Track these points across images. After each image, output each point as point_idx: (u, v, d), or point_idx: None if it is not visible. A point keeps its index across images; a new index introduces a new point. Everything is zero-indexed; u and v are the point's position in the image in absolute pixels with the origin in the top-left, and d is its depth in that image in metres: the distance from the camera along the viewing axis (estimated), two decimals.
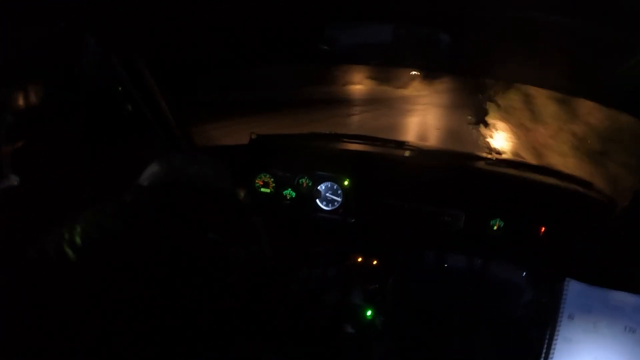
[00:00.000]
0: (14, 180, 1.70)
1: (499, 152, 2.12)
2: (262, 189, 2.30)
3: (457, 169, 2.22)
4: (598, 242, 1.88)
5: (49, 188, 1.87)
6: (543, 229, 2.00)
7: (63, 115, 1.92)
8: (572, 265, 1.82)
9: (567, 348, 0.90)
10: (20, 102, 1.72)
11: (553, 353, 0.89)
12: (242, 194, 2.13)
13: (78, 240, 1.42)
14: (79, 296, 1.39)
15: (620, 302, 0.92)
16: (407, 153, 2.23)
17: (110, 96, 2.04)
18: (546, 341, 0.90)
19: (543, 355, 0.89)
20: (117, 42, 1.84)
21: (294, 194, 2.27)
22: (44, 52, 1.71)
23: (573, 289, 0.92)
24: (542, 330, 0.91)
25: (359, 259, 2.15)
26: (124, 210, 1.56)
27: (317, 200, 2.24)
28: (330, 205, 2.23)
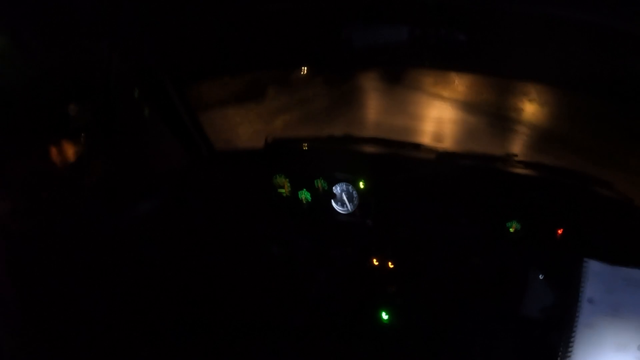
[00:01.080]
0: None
1: (515, 154, 2.10)
2: (279, 191, 2.32)
3: (474, 170, 2.21)
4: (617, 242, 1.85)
5: (70, 193, 1.90)
6: (561, 231, 1.98)
7: (84, 122, 1.96)
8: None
9: (588, 335, 0.84)
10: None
11: (573, 342, 0.84)
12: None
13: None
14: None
15: None
16: (423, 155, 2.23)
17: (129, 102, 2.07)
18: (565, 330, 0.85)
19: (562, 345, 0.84)
20: (136, 49, 1.88)
21: (309, 197, 2.28)
22: (68, 60, 1.75)
23: (593, 270, 0.87)
24: (561, 318, 0.86)
25: (376, 262, 2.16)
26: (146, 213, 1.60)
27: (333, 202, 2.25)
28: (346, 207, 2.24)
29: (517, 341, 1.90)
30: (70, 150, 1.87)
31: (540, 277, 1.91)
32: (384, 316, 2.04)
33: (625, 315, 0.84)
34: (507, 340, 1.94)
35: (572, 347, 0.83)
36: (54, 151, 1.82)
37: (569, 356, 0.83)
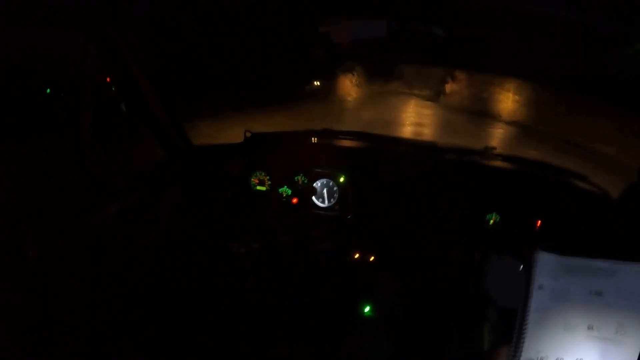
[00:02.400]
0: None
1: (493, 147, 2.13)
2: (258, 187, 2.31)
3: (453, 163, 2.22)
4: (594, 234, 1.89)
5: (45, 186, 1.87)
6: (539, 222, 2.01)
7: (59, 114, 1.92)
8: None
9: (539, 317, 0.93)
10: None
11: (526, 324, 0.92)
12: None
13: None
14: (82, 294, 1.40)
15: (586, 268, 0.95)
16: (402, 148, 2.23)
17: (106, 96, 2.04)
18: (519, 314, 0.94)
19: (517, 328, 0.93)
20: (112, 41, 1.84)
21: (290, 192, 2.27)
22: (44, 53, 1.71)
23: (542, 259, 0.95)
24: (518, 305, 0.95)
25: (356, 255, 2.16)
26: (124, 209, 1.57)
27: (313, 197, 2.24)
28: (326, 202, 2.24)
29: (484, 327, 1.93)
30: (44, 146, 1.83)
31: (521, 267, 1.93)
32: (365, 309, 2.05)
33: (573, 299, 0.92)
34: (478, 327, 1.97)
35: (525, 329, 0.91)
36: (29, 147, 1.78)
37: (522, 338, 0.92)
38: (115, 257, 1.92)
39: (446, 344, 2.02)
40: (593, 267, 0.96)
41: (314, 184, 2.23)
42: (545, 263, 0.96)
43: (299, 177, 2.25)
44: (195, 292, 2.11)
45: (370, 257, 2.16)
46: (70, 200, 1.88)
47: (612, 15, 1.29)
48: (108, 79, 1.98)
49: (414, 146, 2.28)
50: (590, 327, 0.98)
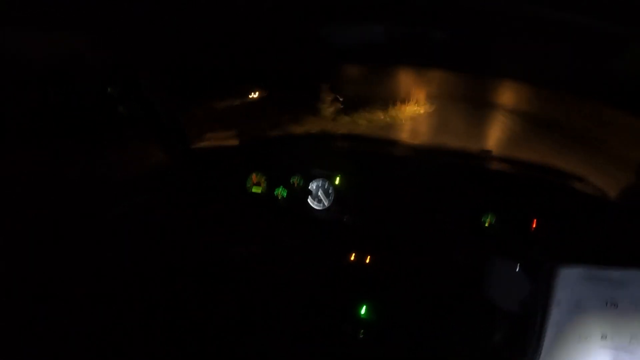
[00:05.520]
0: None
1: (490, 149, 2.13)
2: (254, 189, 2.30)
3: (449, 165, 2.22)
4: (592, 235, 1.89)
5: (42, 187, 1.86)
6: (535, 223, 2.00)
7: (56, 116, 1.91)
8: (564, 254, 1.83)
9: (555, 331, 0.92)
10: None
11: (544, 339, 0.91)
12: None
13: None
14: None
15: (601, 278, 0.94)
16: (398, 150, 2.23)
17: (103, 98, 2.03)
18: (536, 329, 0.92)
19: (534, 341, 0.91)
20: (113, 45, 1.84)
21: (285, 193, 2.26)
22: (40, 55, 1.70)
23: (564, 274, 0.94)
24: (534, 318, 0.93)
25: (353, 257, 2.15)
26: (122, 212, 1.57)
27: (310, 199, 2.24)
28: (322, 204, 2.23)
29: (491, 334, 1.92)
30: (45, 149, 1.83)
31: (517, 269, 1.93)
32: (363, 311, 2.04)
33: (586, 309, 0.91)
34: (484, 333, 1.96)
35: (542, 344, 0.91)
36: (30, 149, 1.78)
37: (539, 353, 0.91)
38: (113, 259, 1.91)
39: (447, 346, 2.01)
40: (607, 277, 0.94)
41: (310, 186, 2.23)
42: (562, 277, 0.94)
43: (295, 179, 2.24)
44: (191, 294, 2.10)
45: (367, 259, 2.15)
46: (70, 203, 1.88)
47: (611, 18, 1.29)
48: (107, 81, 1.98)
49: (411, 149, 2.27)
50: (604, 337, 0.96)
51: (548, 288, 0.93)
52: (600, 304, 0.92)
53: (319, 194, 2.22)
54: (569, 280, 0.93)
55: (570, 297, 0.92)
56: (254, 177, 2.28)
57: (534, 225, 1.97)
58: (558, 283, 0.92)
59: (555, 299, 0.92)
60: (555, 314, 0.92)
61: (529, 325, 0.94)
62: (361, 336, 2.03)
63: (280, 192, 2.26)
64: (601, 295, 0.91)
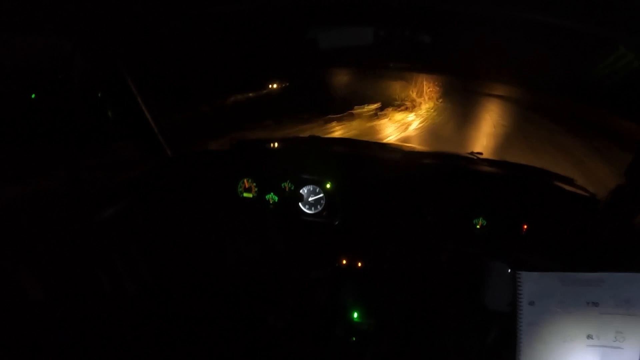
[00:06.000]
0: None
1: (480, 152, 2.14)
2: (245, 194, 2.29)
3: (439, 169, 2.23)
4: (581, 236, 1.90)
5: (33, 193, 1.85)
6: (525, 226, 2.01)
7: (47, 120, 1.90)
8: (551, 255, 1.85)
9: (534, 330, 0.95)
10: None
11: (521, 337, 0.95)
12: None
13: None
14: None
15: (580, 280, 0.97)
16: (388, 154, 2.23)
17: (93, 103, 2.02)
18: (513, 330, 0.97)
19: (511, 340, 0.95)
20: (101, 49, 1.82)
21: (277, 198, 2.26)
22: (31, 58, 1.69)
23: (526, 278, 0.97)
24: (510, 319, 0.97)
25: (345, 261, 2.15)
26: (111, 216, 1.57)
27: (300, 204, 2.23)
28: (313, 208, 2.23)
29: (479, 337, 1.93)
30: (32, 153, 1.81)
31: (509, 271, 1.94)
32: (355, 315, 2.04)
33: (570, 311, 0.95)
34: (472, 336, 1.97)
35: (520, 342, 0.94)
36: (18, 154, 1.76)
37: (519, 350, 0.95)
38: (103, 264, 1.89)
39: (438, 350, 2.01)
40: (585, 279, 0.98)
41: (301, 190, 2.22)
42: (533, 281, 0.97)
43: (286, 184, 2.24)
44: (182, 299, 2.09)
45: (359, 263, 2.15)
46: (58, 208, 1.86)
47: (597, 21, 1.30)
48: (96, 85, 1.97)
49: (401, 152, 2.28)
50: (589, 337, 1.00)
51: (514, 290, 0.96)
52: (582, 305, 0.96)
53: (310, 198, 2.22)
54: (541, 284, 0.96)
55: (548, 300, 0.95)
56: (245, 182, 2.27)
57: (525, 229, 1.98)
58: (524, 285, 0.96)
59: (526, 300, 0.95)
60: (529, 314, 0.95)
61: (513, 327, 0.97)
62: (353, 339, 2.03)
63: (272, 197, 2.25)
64: (582, 296, 0.94)
